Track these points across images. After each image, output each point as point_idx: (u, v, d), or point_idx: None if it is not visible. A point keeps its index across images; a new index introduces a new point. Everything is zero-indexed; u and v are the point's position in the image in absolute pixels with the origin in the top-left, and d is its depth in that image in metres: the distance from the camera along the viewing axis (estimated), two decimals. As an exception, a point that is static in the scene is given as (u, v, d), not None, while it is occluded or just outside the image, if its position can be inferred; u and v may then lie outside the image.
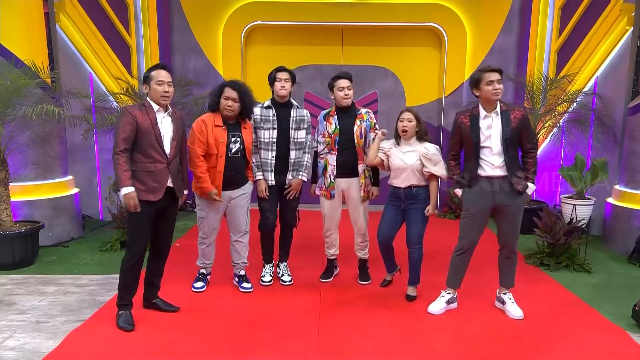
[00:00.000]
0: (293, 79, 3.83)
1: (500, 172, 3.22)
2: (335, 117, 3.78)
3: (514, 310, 3.35)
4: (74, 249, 4.94)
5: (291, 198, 3.84)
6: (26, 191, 4.86)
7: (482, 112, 3.23)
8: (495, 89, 3.14)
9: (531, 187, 3.24)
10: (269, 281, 3.95)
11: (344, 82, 3.68)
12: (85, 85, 5.78)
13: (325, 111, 3.89)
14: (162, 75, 3.06)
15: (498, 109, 3.21)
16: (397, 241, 3.68)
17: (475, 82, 3.22)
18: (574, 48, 5.98)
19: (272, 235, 3.98)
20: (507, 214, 3.28)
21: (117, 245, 4.85)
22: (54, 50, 5.25)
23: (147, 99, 3.13)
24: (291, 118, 3.80)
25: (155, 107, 3.09)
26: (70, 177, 5.41)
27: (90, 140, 5.71)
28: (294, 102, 3.89)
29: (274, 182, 3.79)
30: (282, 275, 4.01)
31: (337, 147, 3.74)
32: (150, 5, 6.30)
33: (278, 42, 7.01)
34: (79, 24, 5.82)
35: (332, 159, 3.77)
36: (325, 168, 3.81)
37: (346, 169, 3.77)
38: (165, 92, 3.06)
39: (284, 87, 3.73)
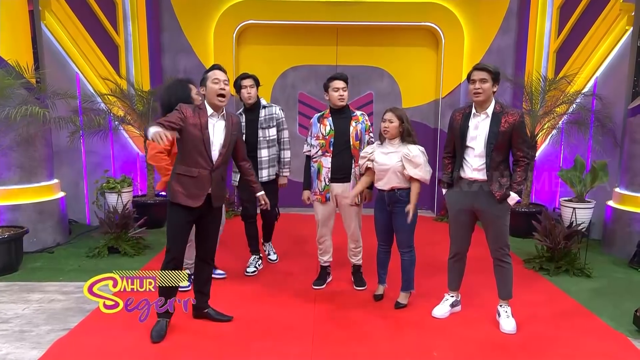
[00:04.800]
0: (257, 84, 4.08)
1: (478, 175, 3.09)
2: (330, 118, 3.71)
3: (505, 324, 3.17)
4: (59, 254, 4.83)
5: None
6: (10, 195, 4.77)
7: (473, 111, 3.11)
8: (476, 89, 3.00)
9: (513, 197, 3.06)
10: (253, 272, 4.22)
11: (339, 83, 3.64)
12: (72, 86, 5.68)
13: (319, 114, 3.82)
14: (218, 74, 3.02)
15: (490, 109, 3.04)
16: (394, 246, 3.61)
17: (467, 78, 3.12)
18: (573, 48, 5.93)
19: (253, 223, 4.27)
20: (486, 219, 3.16)
21: (105, 251, 4.73)
22: (39, 50, 5.16)
23: (204, 102, 3.07)
24: (259, 118, 4.03)
25: (210, 110, 3.01)
26: (55, 180, 5.28)
27: (77, 142, 5.63)
28: (263, 102, 4.12)
29: (237, 183, 4.13)
30: (269, 254, 4.52)
31: (332, 149, 3.67)
32: (139, 4, 6.19)
33: (271, 41, 6.91)
34: (65, 22, 5.72)
35: (327, 162, 3.69)
36: (319, 171, 3.72)
37: (341, 172, 3.69)
38: (221, 89, 2.98)
39: (250, 93, 4.01)
